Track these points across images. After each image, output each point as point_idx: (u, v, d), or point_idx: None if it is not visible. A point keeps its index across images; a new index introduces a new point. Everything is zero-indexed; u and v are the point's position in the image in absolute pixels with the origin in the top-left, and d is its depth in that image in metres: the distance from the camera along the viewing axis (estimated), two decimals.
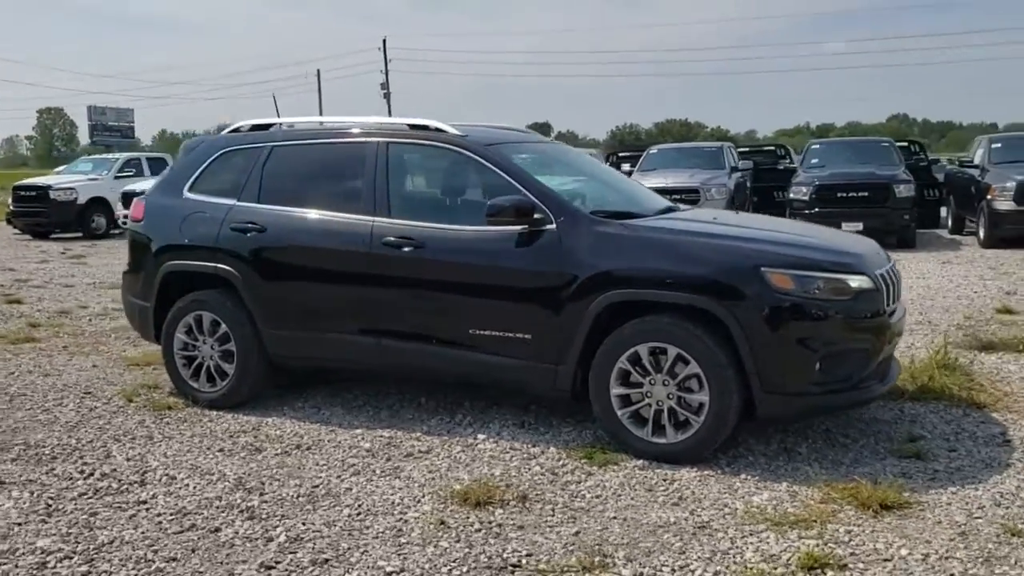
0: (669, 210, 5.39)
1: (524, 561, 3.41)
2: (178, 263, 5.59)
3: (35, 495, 4.14)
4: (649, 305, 4.46)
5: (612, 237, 4.59)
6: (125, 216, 18.38)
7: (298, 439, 4.92)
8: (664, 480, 4.20)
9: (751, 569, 3.29)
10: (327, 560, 3.44)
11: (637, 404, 4.48)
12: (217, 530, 3.74)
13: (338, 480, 4.30)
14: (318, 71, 64.13)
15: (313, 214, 5.28)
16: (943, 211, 17.24)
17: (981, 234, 13.97)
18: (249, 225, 5.37)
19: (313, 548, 3.55)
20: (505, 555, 3.45)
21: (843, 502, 3.88)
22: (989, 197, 13.61)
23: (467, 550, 3.50)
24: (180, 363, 5.61)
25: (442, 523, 3.76)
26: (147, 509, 3.98)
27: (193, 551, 3.54)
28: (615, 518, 3.80)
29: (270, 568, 3.39)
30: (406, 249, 4.92)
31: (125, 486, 4.26)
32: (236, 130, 5.85)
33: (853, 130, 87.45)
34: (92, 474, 4.41)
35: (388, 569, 3.35)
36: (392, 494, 4.10)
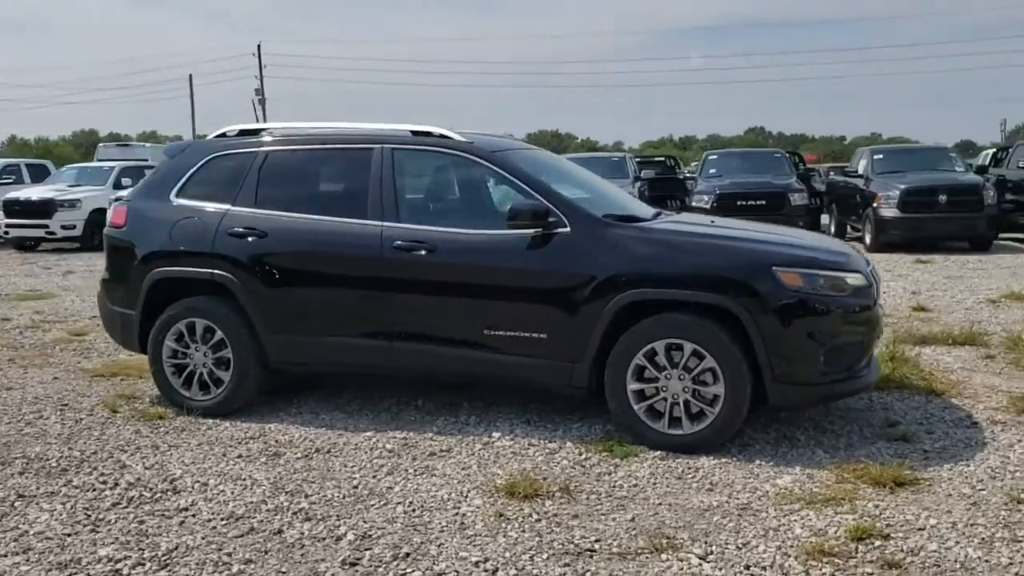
0: (659, 215, 5.65)
1: (596, 546, 3.58)
2: (168, 270, 5.46)
3: (68, 506, 4.03)
4: (663, 303, 4.70)
5: (628, 239, 4.81)
6: (7, 226, 17.48)
7: (311, 443, 4.92)
8: (689, 468, 4.45)
9: (806, 543, 3.57)
10: (407, 554, 3.52)
11: (652, 398, 4.71)
12: (280, 532, 3.75)
13: (375, 480, 4.35)
14: (190, 76, 61.63)
15: (316, 219, 5.27)
16: (824, 218, 18.40)
17: (867, 239, 14.94)
18: (247, 230, 5.32)
19: (387, 544, 3.61)
20: (576, 541, 3.62)
21: (858, 481, 4.22)
22: (875, 205, 14.60)
23: (538, 538, 3.65)
24: (170, 371, 5.49)
25: (501, 515, 3.88)
26: (193, 516, 3.94)
27: (265, 552, 3.55)
28: (660, 504, 4.02)
29: (354, 564, 3.44)
30: (420, 252, 5.00)
31: (158, 494, 4.19)
32: (223, 135, 5.78)
33: (714, 142, 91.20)
34: (117, 484, 4.31)
35: (473, 559, 3.46)
36: (437, 491, 4.19)
